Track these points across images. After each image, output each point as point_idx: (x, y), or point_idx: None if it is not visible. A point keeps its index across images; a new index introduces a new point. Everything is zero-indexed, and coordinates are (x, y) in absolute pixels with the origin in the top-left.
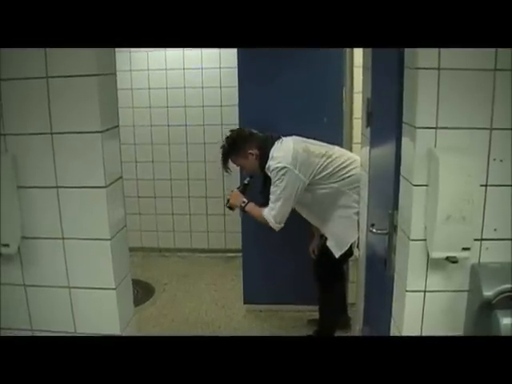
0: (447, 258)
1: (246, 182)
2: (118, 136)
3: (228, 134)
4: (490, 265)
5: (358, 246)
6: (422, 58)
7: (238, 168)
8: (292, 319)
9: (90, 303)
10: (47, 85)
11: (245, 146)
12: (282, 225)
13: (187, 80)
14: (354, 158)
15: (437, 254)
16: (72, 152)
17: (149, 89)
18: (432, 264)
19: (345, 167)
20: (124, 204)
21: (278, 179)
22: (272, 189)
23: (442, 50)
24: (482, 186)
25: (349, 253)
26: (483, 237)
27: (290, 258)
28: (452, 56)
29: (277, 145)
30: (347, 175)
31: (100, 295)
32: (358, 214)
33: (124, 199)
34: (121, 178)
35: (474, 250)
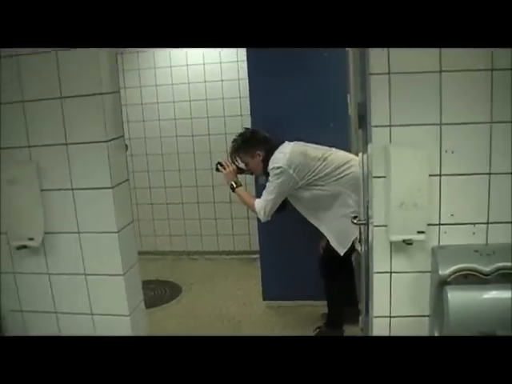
0: (404, 241)
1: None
2: (122, 144)
3: (243, 130)
4: (448, 247)
5: (359, 241)
6: (374, 64)
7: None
8: (307, 314)
9: (102, 288)
10: (62, 104)
11: (256, 146)
12: (269, 218)
13: (192, 93)
14: (350, 157)
15: (394, 238)
16: (83, 159)
17: (157, 103)
18: (394, 247)
19: (340, 167)
20: (130, 202)
21: (274, 176)
22: (267, 184)
23: (391, 55)
24: (432, 175)
25: (352, 248)
26: (441, 222)
27: (304, 256)
28: (400, 60)
29: (278, 149)
30: (342, 174)
31: (110, 281)
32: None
33: (130, 198)
34: (127, 180)
35: (433, 233)
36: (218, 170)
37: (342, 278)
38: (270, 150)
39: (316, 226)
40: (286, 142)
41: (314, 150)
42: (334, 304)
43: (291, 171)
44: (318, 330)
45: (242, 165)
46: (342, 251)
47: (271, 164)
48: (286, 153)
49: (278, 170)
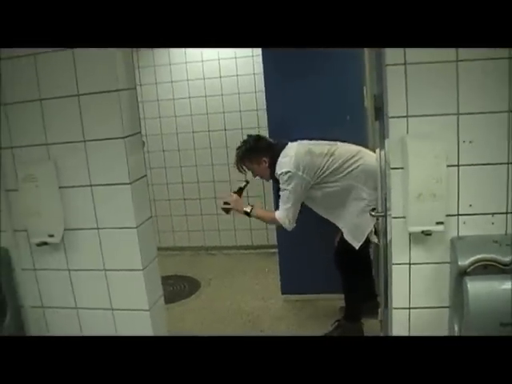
0: (423, 232)
1: (242, 185)
2: (139, 140)
3: (246, 137)
4: (467, 237)
5: (375, 233)
6: (390, 55)
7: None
8: (326, 307)
9: (122, 283)
10: (78, 101)
11: (260, 153)
12: (295, 224)
13: (208, 88)
14: (357, 149)
15: (413, 229)
16: (100, 155)
17: (173, 99)
18: (413, 239)
19: (348, 160)
20: (148, 197)
21: (285, 182)
22: (281, 192)
23: None
24: (449, 166)
25: (368, 242)
26: (460, 212)
27: (322, 250)
28: (416, 51)
29: (283, 152)
30: (351, 168)
31: (130, 276)
32: (369, 205)
33: (148, 194)
34: (145, 176)
35: (451, 224)
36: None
37: (359, 270)
38: (275, 154)
39: (333, 222)
40: (290, 144)
41: (319, 147)
42: (352, 297)
43: (300, 173)
44: (336, 324)
45: (249, 173)
46: (356, 245)
47: (279, 170)
48: (291, 156)
49: (287, 176)
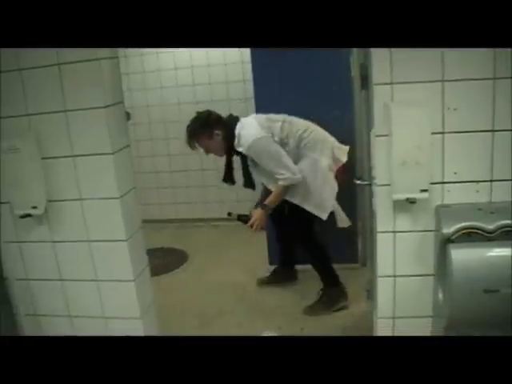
0: (407, 200)
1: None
2: (122, 110)
3: (195, 114)
4: (452, 205)
5: None
6: None
7: None
8: (314, 277)
9: (106, 254)
10: (59, 70)
11: (212, 126)
12: (300, 175)
13: (196, 77)
14: (308, 123)
15: (397, 196)
16: (82, 125)
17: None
18: (398, 207)
19: (305, 130)
20: (132, 168)
21: (260, 151)
22: (262, 162)
23: None
24: (434, 133)
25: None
26: (444, 180)
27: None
28: None
29: (239, 124)
30: (307, 139)
31: (114, 247)
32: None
33: (132, 164)
34: (128, 146)
35: (436, 192)
36: (245, 221)
37: (317, 237)
38: (229, 127)
39: (295, 200)
40: (243, 118)
41: (276, 116)
42: (323, 264)
43: (268, 135)
44: (321, 293)
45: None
46: (324, 216)
47: (245, 142)
48: (252, 125)
49: (259, 142)
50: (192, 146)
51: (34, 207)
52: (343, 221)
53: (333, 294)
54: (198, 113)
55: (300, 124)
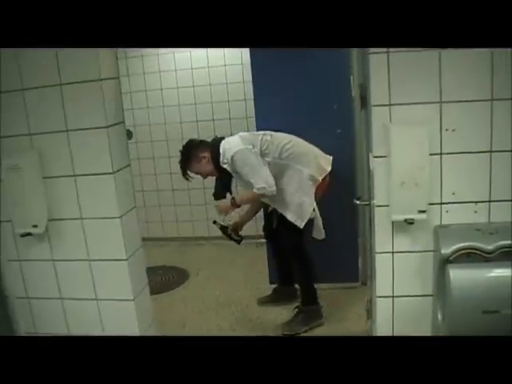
0: (405, 220)
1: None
2: (123, 129)
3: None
4: (450, 226)
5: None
6: None
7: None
8: None
9: (106, 273)
10: (61, 91)
11: (196, 151)
12: (275, 187)
13: (196, 79)
14: (290, 137)
15: (396, 217)
16: (84, 145)
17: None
18: (396, 227)
19: (286, 143)
20: (132, 187)
21: (240, 162)
22: (243, 172)
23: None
24: (432, 154)
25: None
26: (443, 201)
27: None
28: None
29: (223, 142)
30: (289, 151)
31: (114, 266)
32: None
33: (132, 184)
34: (128, 165)
35: (434, 212)
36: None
37: (307, 252)
38: (212, 147)
39: (276, 206)
40: (228, 137)
41: (259, 132)
42: (309, 280)
43: (250, 147)
44: (296, 310)
45: (194, 176)
46: (301, 224)
47: (228, 155)
48: (234, 139)
49: (239, 153)
50: (187, 178)
51: (35, 226)
52: (319, 232)
53: (310, 313)
54: (182, 146)
55: (283, 137)
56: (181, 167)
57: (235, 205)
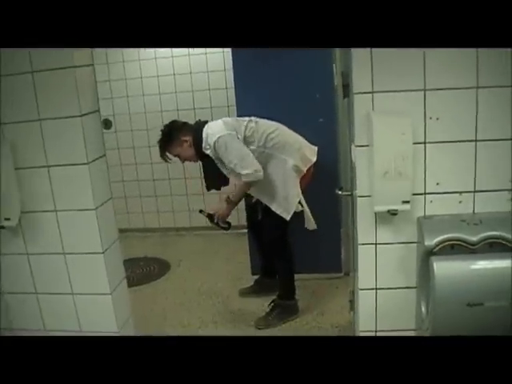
0: (388, 211)
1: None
2: (98, 118)
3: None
4: (434, 217)
5: (299, 202)
6: None
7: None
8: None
9: (82, 267)
10: (33, 79)
11: (178, 134)
12: (262, 172)
13: (176, 67)
14: (277, 125)
15: (379, 208)
16: (57, 135)
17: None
18: (379, 218)
19: (271, 132)
20: (108, 178)
21: (223, 148)
22: (227, 158)
23: None
24: (416, 143)
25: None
26: (426, 191)
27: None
28: None
29: (206, 127)
30: (274, 140)
31: (90, 259)
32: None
33: (108, 174)
34: (104, 155)
35: (418, 203)
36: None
37: (290, 246)
38: (195, 132)
39: (261, 198)
40: (211, 122)
41: (243, 118)
42: (289, 275)
43: (234, 132)
44: (272, 304)
45: (174, 159)
46: (287, 216)
47: (210, 141)
48: (218, 124)
49: (222, 139)
50: (165, 159)
51: (7, 219)
52: (310, 223)
53: (285, 308)
54: (164, 125)
55: (268, 124)
56: (160, 146)
57: (232, 203)
